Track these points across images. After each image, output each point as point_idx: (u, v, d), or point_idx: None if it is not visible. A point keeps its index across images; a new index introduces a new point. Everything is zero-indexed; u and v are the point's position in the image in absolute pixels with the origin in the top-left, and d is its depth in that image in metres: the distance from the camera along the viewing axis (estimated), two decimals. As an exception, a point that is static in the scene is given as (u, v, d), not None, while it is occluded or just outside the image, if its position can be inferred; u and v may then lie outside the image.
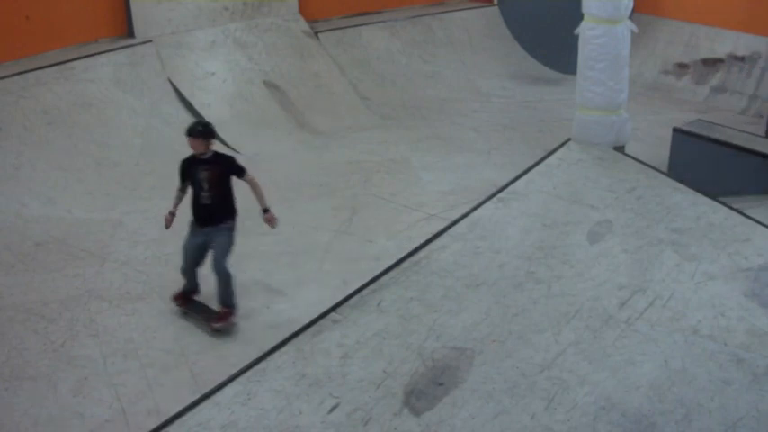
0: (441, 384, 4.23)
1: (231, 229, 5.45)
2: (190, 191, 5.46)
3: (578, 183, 6.18)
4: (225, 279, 5.39)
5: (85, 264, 6.47)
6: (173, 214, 5.52)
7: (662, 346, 4.43)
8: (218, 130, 8.98)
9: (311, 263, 6.52)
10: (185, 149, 5.49)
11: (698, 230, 5.46)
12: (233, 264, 5.48)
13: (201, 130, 5.33)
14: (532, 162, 6.61)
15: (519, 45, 12.66)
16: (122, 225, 7.14)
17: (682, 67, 11.43)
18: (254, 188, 5.45)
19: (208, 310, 5.56)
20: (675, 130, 7.93)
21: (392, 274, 5.27)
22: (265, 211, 5.52)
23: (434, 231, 5.89)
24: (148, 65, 9.28)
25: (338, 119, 9.90)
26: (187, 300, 5.67)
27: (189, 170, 5.39)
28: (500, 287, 5.04)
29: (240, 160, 5.20)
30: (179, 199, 5.54)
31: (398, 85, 11.10)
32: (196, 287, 5.68)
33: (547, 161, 6.53)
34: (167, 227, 5.54)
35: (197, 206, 5.40)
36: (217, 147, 8.53)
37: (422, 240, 5.70)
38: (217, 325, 5.40)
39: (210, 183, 5.30)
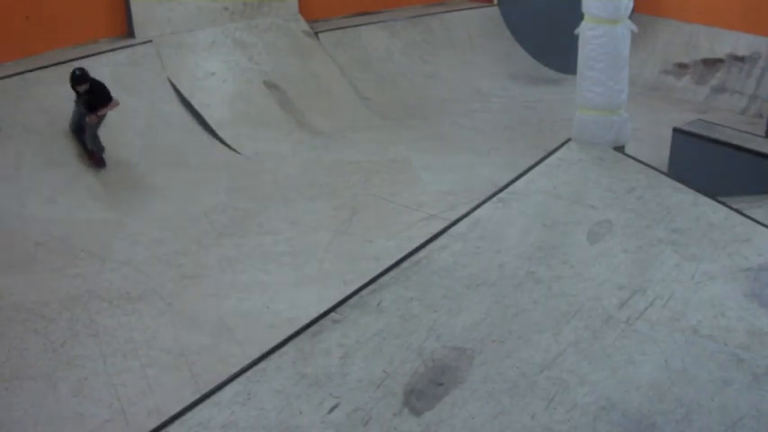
0: (441, 384, 4.23)
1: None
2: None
3: (578, 183, 6.18)
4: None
5: (85, 264, 6.47)
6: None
7: (662, 346, 4.43)
8: (218, 130, 9.10)
9: (311, 263, 6.52)
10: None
11: (698, 230, 5.45)
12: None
13: (71, 78, 7.72)
14: (532, 162, 6.60)
15: (519, 45, 12.66)
16: (122, 225, 7.14)
17: (682, 67, 11.42)
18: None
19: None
20: (675, 130, 7.93)
21: (392, 274, 5.25)
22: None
23: (434, 231, 5.88)
24: (148, 65, 9.28)
25: (338, 119, 9.89)
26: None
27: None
28: (500, 287, 5.04)
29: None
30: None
31: (398, 85, 11.09)
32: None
33: (547, 161, 6.52)
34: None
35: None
36: (217, 147, 8.74)
37: (422, 240, 5.69)
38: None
39: (86, 106, 7.86)
